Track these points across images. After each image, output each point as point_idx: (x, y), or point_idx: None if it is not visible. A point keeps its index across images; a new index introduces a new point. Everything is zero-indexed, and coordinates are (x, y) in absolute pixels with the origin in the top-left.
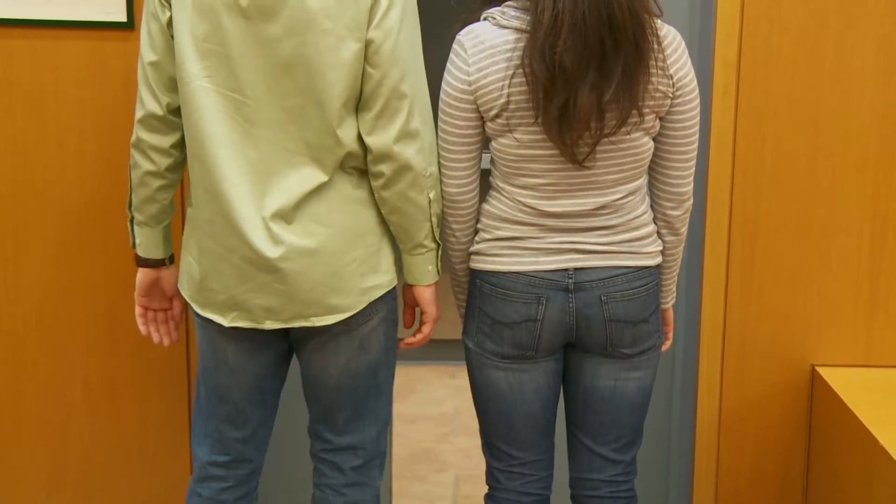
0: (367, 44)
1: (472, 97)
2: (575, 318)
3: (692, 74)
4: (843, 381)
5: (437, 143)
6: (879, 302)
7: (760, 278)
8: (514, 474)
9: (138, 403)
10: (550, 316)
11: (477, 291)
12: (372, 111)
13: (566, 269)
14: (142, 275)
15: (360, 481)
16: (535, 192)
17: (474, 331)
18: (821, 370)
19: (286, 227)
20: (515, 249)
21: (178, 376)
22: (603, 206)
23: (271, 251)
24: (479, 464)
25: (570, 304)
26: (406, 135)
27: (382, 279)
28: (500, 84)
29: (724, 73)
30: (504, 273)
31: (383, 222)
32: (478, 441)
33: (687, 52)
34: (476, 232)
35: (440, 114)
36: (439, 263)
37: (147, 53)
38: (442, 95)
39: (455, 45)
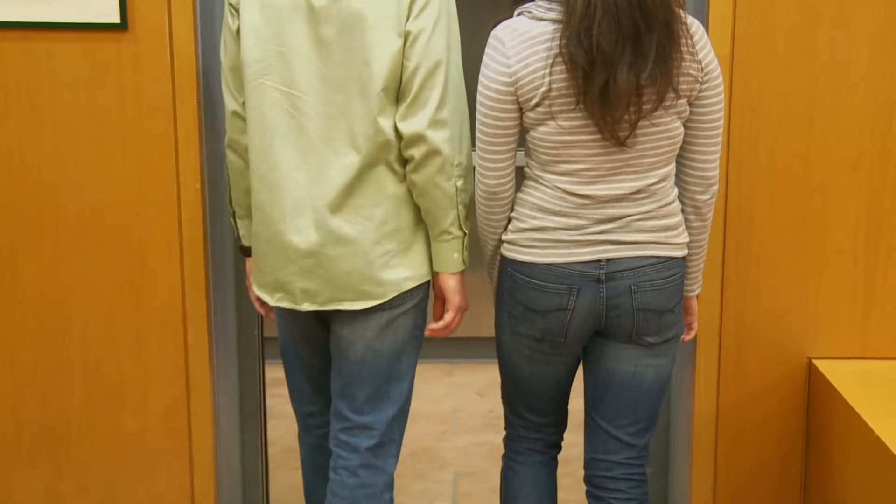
0: (406, 36)
1: (512, 89)
2: (605, 307)
3: (717, 61)
4: (839, 374)
5: (476, 142)
6: (875, 294)
7: (756, 272)
8: (531, 429)
9: (137, 406)
10: (581, 305)
11: (508, 279)
12: (406, 100)
13: (598, 261)
14: (249, 264)
15: (374, 463)
16: (575, 178)
17: (506, 315)
18: (817, 363)
19: (331, 216)
20: (549, 242)
21: (177, 379)
22: (639, 191)
23: (314, 238)
24: (478, 461)
25: (601, 294)
26: (436, 122)
27: (414, 272)
28: (542, 73)
29: None
30: (537, 264)
31: (420, 220)
32: (476, 438)
33: (710, 42)
34: (509, 221)
35: (479, 107)
36: (465, 253)
37: (224, 60)
38: (481, 89)
39: (491, 40)
